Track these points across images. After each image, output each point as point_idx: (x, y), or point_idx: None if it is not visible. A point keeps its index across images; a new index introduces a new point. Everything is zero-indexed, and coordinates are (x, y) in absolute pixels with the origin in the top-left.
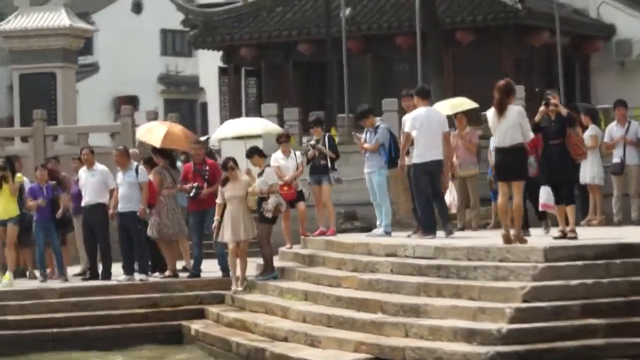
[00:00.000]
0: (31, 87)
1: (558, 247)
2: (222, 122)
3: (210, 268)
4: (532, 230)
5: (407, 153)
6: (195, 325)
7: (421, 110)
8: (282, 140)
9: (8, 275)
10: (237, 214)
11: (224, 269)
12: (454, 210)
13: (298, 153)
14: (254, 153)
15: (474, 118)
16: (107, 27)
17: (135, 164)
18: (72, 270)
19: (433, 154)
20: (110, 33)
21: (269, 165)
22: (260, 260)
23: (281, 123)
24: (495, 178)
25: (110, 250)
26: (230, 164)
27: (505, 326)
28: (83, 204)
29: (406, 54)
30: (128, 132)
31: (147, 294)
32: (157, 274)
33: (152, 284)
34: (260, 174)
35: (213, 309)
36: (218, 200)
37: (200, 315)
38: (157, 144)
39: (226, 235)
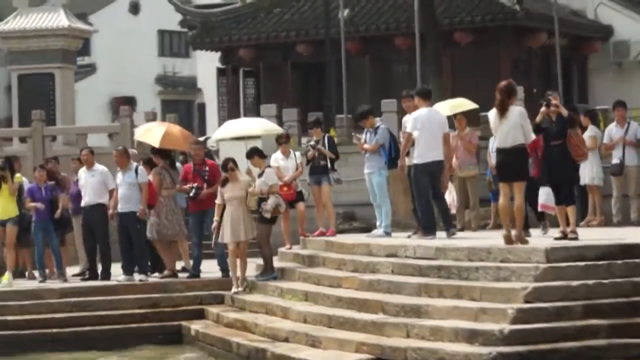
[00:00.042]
0: (30, 87)
1: (559, 248)
2: (220, 123)
3: (210, 268)
4: (531, 231)
5: (407, 154)
6: (195, 326)
7: (423, 111)
8: (282, 141)
9: (7, 275)
10: (237, 214)
11: (224, 269)
12: (453, 211)
13: (298, 154)
14: (254, 154)
15: (473, 119)
16: (104, 28)
17: (134, 164)
18: (71, 270)
19: (434, 154)
20: (107, 34)
21: (269, 166)
22: (260, 261)
23: (280, 124)
24: (495, 179)
25: (109, 251)
26: (230, 165)
27: (507, 327)
28: (83, 204)
29: (405, 54)
30: (127, 133)
31: (147, 294)
32: (156, 274)
33: (152, 284)
34: (260, 175)
35: (213, 310)
36: (217, 201)
37: (200, 315)
38: (156, 144)
39: (226, 236)
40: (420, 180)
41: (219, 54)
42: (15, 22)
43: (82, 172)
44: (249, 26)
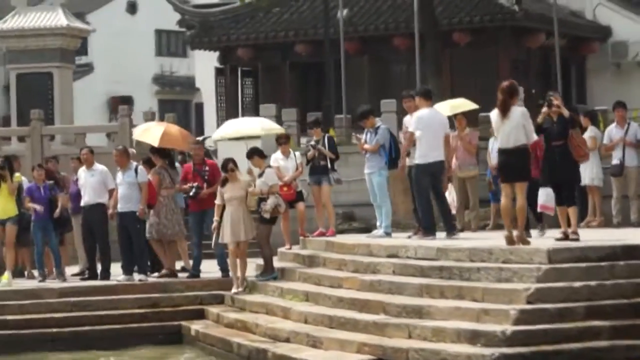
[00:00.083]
0: (28, 86)
1: (562, 249)
2: (218, 122)
3: (210, 268)
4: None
5: (408, 154)
6: (195, 326)
7: (425, 111)
8: (282, 141)
9: (7, 275)
10: (237, 214)
11: (224, 269)
12: (453, 212)
13: (298, 154)
14: (254, 154)
15: (472, 119)
16: (102, 28)
17: (134, 164)
18: (70, 270)
19: (436, 154)
20: (105, 33)
21: (270, 166)
22: (260, 261)
23: (279, 124)
24: (495, 179)
25: (109, 250)
26: (231, 166)
27: (509, 328)
28: (82, 203)
29: (403, 55)
30: (126, 132)
31: (147, 294)
32: (156, 274)
33: (152, 284)
34: (260, 175)
35: (213, 310)
36: (217, 202)
37: (200, 315)
38: (155, 143)
39: (226, 236)
40: (421, 180)
41: (217, 53)
42: (13, 21)
43: (82, 172)
44: (247, 26)
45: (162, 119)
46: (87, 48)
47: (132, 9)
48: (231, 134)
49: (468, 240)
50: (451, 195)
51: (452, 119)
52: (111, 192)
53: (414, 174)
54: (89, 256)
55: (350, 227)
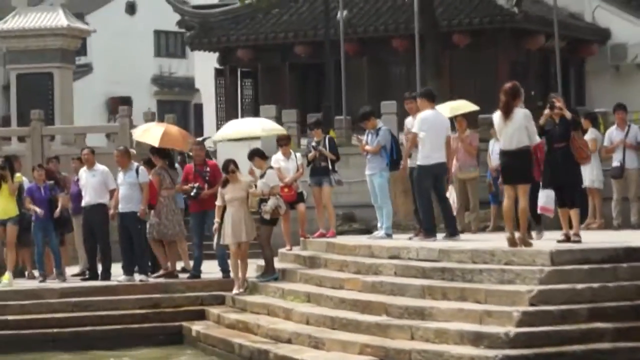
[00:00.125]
0: (28, 87)
1: (564, 251)
2: (217, 123)
3: (210, 269)
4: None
5: (410, 155)
6: (196, 327)
7: (429, 113)
8: (283, 142)
9: (7, 275)
10: (238, 215)
11: (224, 270)
12: (453, 213)
13: (298, 155)
14: (255, 155)
15: (472, 121)
16: (101, 28)
17: (135, 164)
18: (70, 270)
19: (438, 156)
20: (104, 34)
21: (271, 167)
22: (260, 262)
23: (279, 125)
24: (495, 181)
25: (110, 251)
26: (231, 167)
27: (512, 329)
28: (83, 204)
29: (403, 56)
30: (125, 133)
31: (148, 295)
32: (156, 274)
33: (153, 284)
34: (262, 176)
35: (214, 310)
36: (217, 203)
37: (201, 316)
38: (156, 143)
39: (227, 237)
40: (423, 182)
41: (216, 54)
42: (14, 22)
43: (83, 172)
44: (247, 27)
45: (161, 119)
46: (86, 48)
47: (131, 9)
48: (232, 134)
49: (470, 241)
50: (451, 196)
51: (452, 120)
52: (112, 193)
53: (416, 175)
54: (90, 256)
55: (351, 229)
